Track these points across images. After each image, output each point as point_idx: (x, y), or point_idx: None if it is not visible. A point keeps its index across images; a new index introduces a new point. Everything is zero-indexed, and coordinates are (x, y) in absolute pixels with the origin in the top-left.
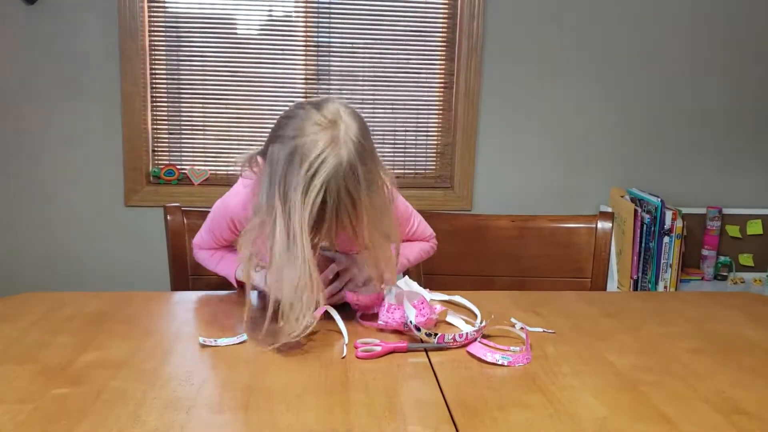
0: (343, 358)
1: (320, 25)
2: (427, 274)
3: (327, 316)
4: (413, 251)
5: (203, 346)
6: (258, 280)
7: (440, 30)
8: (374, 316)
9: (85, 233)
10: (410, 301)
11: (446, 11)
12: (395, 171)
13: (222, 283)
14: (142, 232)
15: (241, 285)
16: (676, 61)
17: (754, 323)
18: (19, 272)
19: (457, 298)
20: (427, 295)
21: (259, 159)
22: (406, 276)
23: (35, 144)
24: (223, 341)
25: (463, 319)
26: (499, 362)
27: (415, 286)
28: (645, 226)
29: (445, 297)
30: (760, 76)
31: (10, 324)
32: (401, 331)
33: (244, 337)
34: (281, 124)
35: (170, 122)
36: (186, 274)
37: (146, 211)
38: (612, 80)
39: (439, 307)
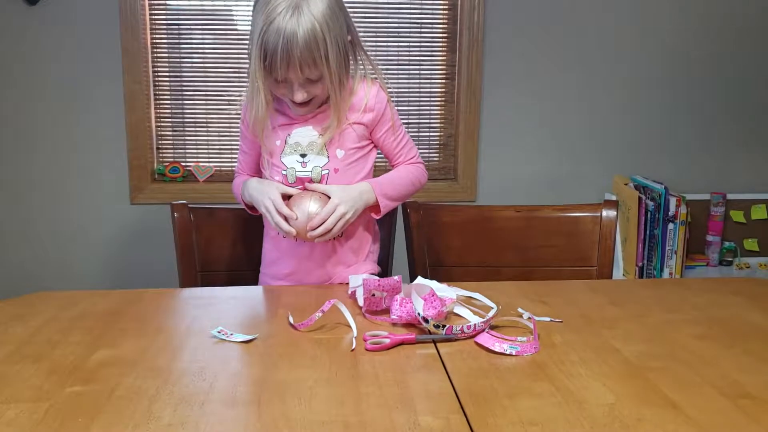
0: (353, 350)
1: None
2: (433, 266)
3: (335, 310)
4: (393, 182)
5: (216, 339)
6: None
7: (441, 21)
8: (381, 312)
9: (91, 232)
10: (419, 294)
11: (447, 2)
12: None
13: (231, 279)
14: (149, 230)
15: (250, 208)
16: (678, 47)
17: (759, 308)
18: (25, 272)
19: (477, 295)
20: (450, 291)
21: None
22: (419, 276)
23: (39, 144)
24: (238, 336)
25: (471, 310)
26: (508, 352)
27: (434, 285)
28: (649, 213)
29: (466, 293)
30: (762, 61)
31: (22, 324)
32: (414, 324)
33: (255, 335)
34: None
35: (174, 119)
36: (194, 270)
37: (152, 208)
38: (613, 68)
39: (449, 300)
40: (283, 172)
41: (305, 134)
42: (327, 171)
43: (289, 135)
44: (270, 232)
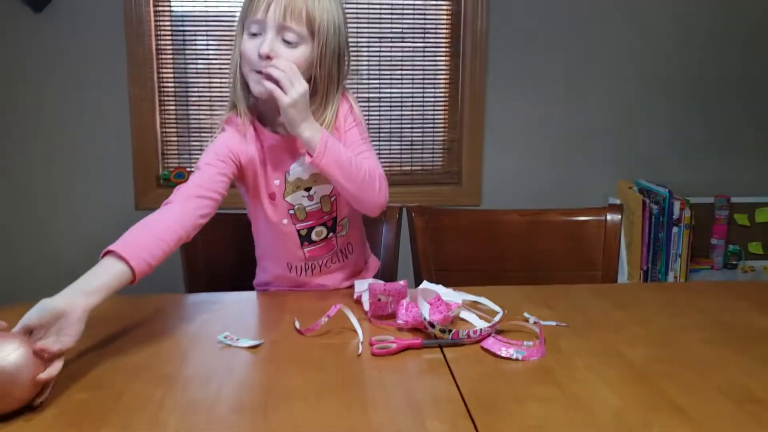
0: (359, 355)
1: None
2: (439, 270)
3: (341, 315)
4: (341, 151)
5: (222, 345)
6: None
7: (444, 26)
8: (387, 317)
9: (96, 237)
10: (425, 299)
11: (450, 7)
12: (402, 168)
13: (237, 284)
14: None
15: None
16: (681, 51)
17: (765, 312)
18: (30, 277)
19: (483, 299)
20: (456, 295)
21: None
22: (425, 281)
23: (44, 150)
24: (244, 342)
25: (477, 315)
26: (514, 357)
27: (440, 289)
28: (653, 216)
29: (472, 297)
30: (765, 64)
31: None
32: (420, 328)
33: (261, 341)
34: None
35: (178, 124)
36: (200, 275)
37: None
38: (616, 72)
39: (454, 304)
40: (291, 212)
41: (304, 167)
42: (334, 197)
43: (287, 173)
44: (258, 259)
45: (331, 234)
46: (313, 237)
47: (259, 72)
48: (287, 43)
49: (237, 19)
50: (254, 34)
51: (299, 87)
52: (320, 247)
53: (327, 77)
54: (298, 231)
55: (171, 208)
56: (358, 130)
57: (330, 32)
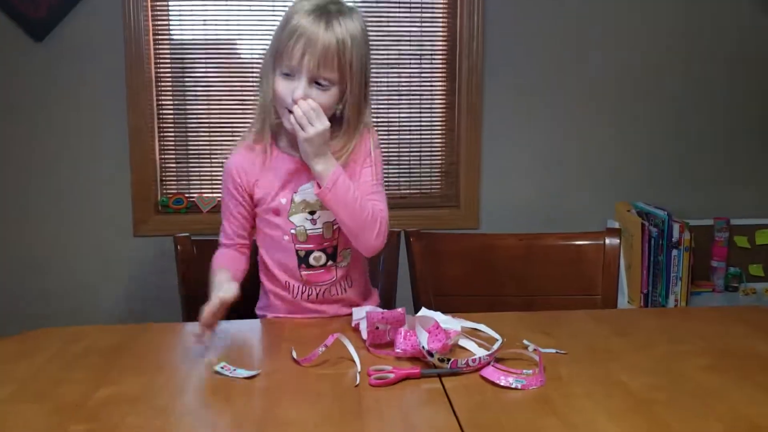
0: (357, 386)
1: None
2: (437, 295)
3: (338, 343)
4: (351, 189)
5: (218, 374)
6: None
7: (440, 50)
8: (385, 346)
9: (94, 265)
10: (423, 327)
11: (445, 32)
12: (401, 191)
13: (234, 311)
14: (152, 262)
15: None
16: (679, 72)
17: (766, 338)
18: (27, 305)
19: (482, 326)
20: (454, 323)
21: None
22: (423, 308)
23: (43, 177)
24: (241, 372)
25: (476, 342)
26: (513, 386)
27: (438, 316)
28: (653, 239)
29: (471, 324)
30: (764, 84)
31: (27, 361)
32: (418, 357)
33: (258, 371)
34: None
35: (177, 151)
36: (198, 304)
37: (156, 240)
38: (613, 93)
39: (453, 332)
40: (292, 231)
41: (312, 191)
42: (337, 226)
43: (295, 193)
44: (266, 284)
45: (330, 262)
46: (311, 261)
47: (291, 111)
48: (319, 85)
49: (266, 51)
50: (287, 74)
51: (319, 126)
52: (319, 274)
53: (357, 111)
54: (297, 251)
55: (222, 268)
56: (373, 171)
57: (360, 72)
